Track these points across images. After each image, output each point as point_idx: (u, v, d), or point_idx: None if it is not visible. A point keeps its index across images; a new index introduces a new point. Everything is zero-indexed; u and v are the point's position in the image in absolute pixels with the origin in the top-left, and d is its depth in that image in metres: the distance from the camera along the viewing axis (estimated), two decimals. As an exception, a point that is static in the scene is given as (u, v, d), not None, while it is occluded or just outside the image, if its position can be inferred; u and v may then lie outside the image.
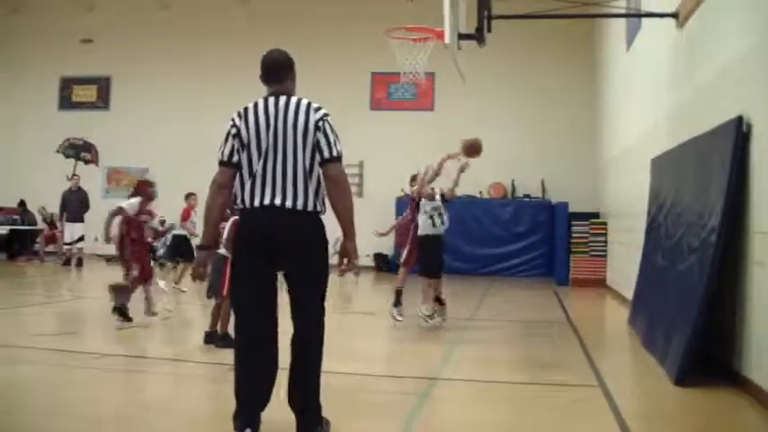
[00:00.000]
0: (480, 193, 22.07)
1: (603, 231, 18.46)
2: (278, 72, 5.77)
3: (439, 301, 11.27)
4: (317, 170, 5.16)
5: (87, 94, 26.05)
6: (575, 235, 19.09)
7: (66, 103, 26.12)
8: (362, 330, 10.32)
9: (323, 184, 5.17)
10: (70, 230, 20.91)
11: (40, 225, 23.56)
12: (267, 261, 5.05)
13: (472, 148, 10.85)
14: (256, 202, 5.07)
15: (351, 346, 9.59)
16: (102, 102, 25.90)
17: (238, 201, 5.20)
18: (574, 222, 19.30)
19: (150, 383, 7.24)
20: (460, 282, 18.06)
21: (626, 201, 15.03)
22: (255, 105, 5.40)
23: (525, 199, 21.81)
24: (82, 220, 21.03)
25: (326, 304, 5.29)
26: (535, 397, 7.07)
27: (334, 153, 5.23)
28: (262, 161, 5.12)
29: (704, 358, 7.40)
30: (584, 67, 21.65)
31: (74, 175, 21.82)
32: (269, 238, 5.02)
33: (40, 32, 25.60)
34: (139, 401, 6.43)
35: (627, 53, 15.39)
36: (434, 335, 10.73)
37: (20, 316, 11.90)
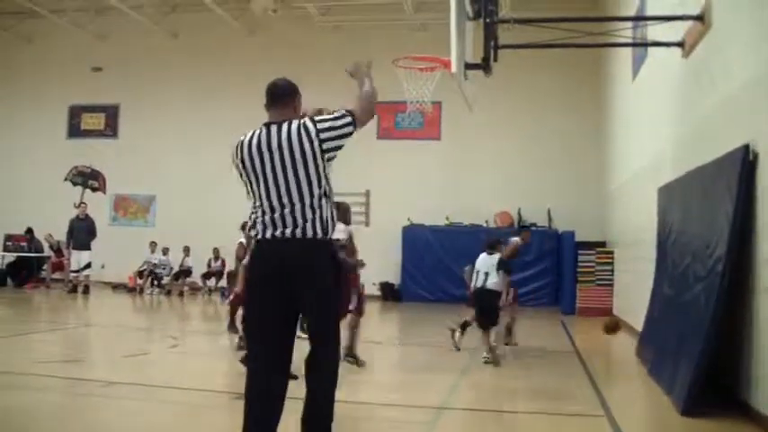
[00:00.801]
0: (486, 222, 22.06)
1: (610, 260, 18.42)
2: (280, 102, 5.67)
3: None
4: (328, 190, 5.30)
5: (95, 122, 26.16)
6: (581, 264, 19.06)
7: (75, 131, 26.23)
8: (369, 359, 10.27)
9: (330, 199, 5.28)
10: (77, 258, 20.87)
11: (47, 252, 23.57)
12: (281, 296, 4.99)
13: (613, 329, 11.17)
14: (267, 235, 5.05)
15: (357, 374, 9.56)
16: (111, 130, 26.00)
17: (252, 233, 5.21)
18: (580, 251, 19.27)
19: (155, 412, 7.22)
20: (468, 310, 17.99)
21: (632, 229, 15.02)
22: (252, 135, 5.37)
23: (531, 228, 21.78)
24: (89, 248, 21.00)
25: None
26: (542, 427, 7.04)
27: (343, 113, 5.57)
28: (263, 189, 5.13)
29: (711, 388, 7.36)
30: (590, 96, 21.70)
31: (81, 202, 21.82)
32: (279, 271, 4.97)
33: (50, 61, 25.76)
34: (145, 430, 6.40)
35: (633, 82, 15.43)
36: (441, 364, 10.69)
37: (25, 342, 11.89)
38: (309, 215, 5.03)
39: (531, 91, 22.25)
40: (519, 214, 21.87)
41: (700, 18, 9.20)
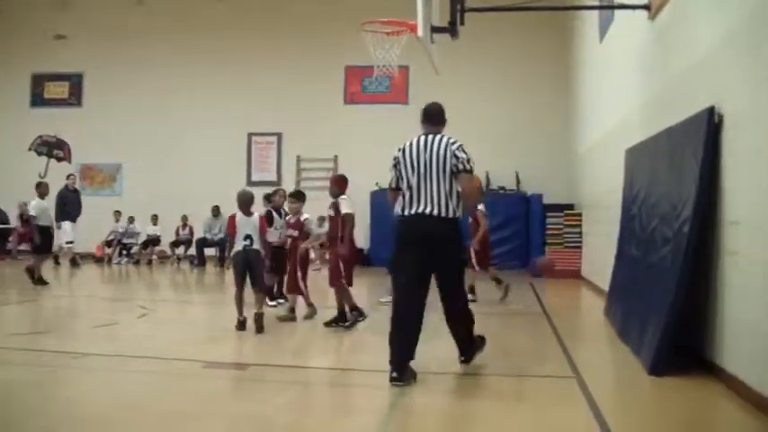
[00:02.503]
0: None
1: (578, 223, 18.54)
2: (436, 120, 7.67)
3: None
4: (455, 187, 7.09)
5: (60, 90, 25.86)
6: (549, 227, 19.18)
7: (39, 100, 25.93)
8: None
9: (456, 192, 7.10)
10: (67, 229, 20.42)
11: (13, 224, 23.34)
12: (419, 255, 6.99)
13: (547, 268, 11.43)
14: (412, 212, 7.10)
15: (329, 339, 9.59)
16: (75, 99, 25.73)
17: (398, 210, 7.24)
18: (548, 214, 19.38)
19: (127, 382, 7.20)
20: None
21: (600, 192, 15.10)
22: (411, 142, 7.44)
23: (500, 191, 21.84)
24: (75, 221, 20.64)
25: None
26: (511, 388, 7.10)
27: (465, 167, 7.13)
28: (415, 181, 7.16)
29: (678, 348, 7.45)
30: (558, 58, 21.73)
31: (70, 175, 21.40)
32: (421, 238, 7.03)
33: (11, 28, 25.40)
34: (119, 401, 6.39)
35: (600, 44, 15.45)
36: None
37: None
38: (444, 200, 7.03)
39: (498, 54, 22.25)
40: (487, 177, 21.90)
41: (665, -20, 9.22)
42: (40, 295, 14.32)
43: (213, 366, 7.75)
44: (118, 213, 22.65)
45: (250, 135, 24.03)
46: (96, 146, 24.78)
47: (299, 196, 11.75)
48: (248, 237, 10.24)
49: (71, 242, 20.50)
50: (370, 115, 23.12)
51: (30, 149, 25.11)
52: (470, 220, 13.21)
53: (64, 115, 25.37)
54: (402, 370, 6.82)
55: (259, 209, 11.10)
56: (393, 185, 7.42)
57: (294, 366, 7.82)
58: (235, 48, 23.82)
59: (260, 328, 9.87)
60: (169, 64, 24.33)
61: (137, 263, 22.26)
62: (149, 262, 22.11)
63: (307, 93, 23.38)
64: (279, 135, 23.91)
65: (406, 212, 7.12)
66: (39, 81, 25.95)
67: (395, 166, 7.42)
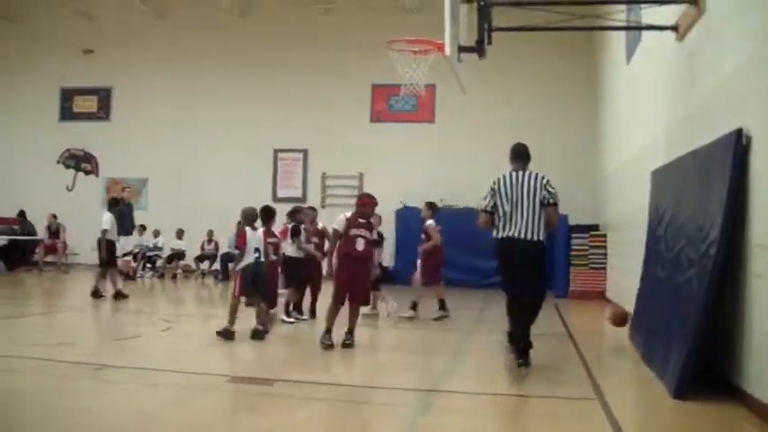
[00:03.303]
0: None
1: (603, 244, 18.44)
2: (524, 158, 9.13)
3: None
4: (543, 214, 8.60)
5: (88, 104, 26.07)
6: (574, 247, 19.07)
7: (67, 113, 26.15)
8: (362, 341, 10.28)
9: (544, 219, 8.62)
10: (124, 244, 20.12)
11: (41, 235, 23.51)
12: (514, 267, 8.67)
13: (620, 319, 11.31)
14: (506, 234, 8.61)
15: (351, 356, 9.57)
16: (103, 112, 25.92)
17: (495, 233, 8.76)
18: (573, 235, 19.26)
19: (148, 395, 7.20)
20: (461, 293, 18.03)
21: (626, 213, 15.01)
22: (505, 176, 8.89)
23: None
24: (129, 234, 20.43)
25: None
26: (534, 410, 7.05)
27: (553, 201, 8.69)
28: (509, 208, 8.64)
29: (703, 372, 7.37)
30: (584, 79, 21.68)
31: (125, 188, 21.19)
32: (513, 256, 8.61)
33: (41, 43, 25.66)
34: (138, 412, 6.40)
35: (627, 66, 15.40)
36: (434, 347, 10.70)
37: (17, 326, 11.87)
38: (533, 225, 8.57)
39: (524, 73, 22.23)
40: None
41: (693, 2, 9.18)
42: (63, 307, 14.39)
43: (237, 381, 7.74)
44: (143, 227, 22.76)
45: (276, 151, 24.10)
46: (123, 159, 24.97)
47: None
48: (257, 250, 10.69)
49: (126, 255, 20.37)
50: (396, 133, 23.13)
51: (58, 162, 25.37)
52: (422, 234, 13.66)
53: (92, 129, 25.60)
54: (521, 341, 8.62)
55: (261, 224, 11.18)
56: (488, 209, 8.86)
57: (319, 383, 7.79)
58: (262, 64, 23.93)
59: (259, 336, 10.38)
60: (197, 79, 24.47)
61: (161, 277, 22.32)
62: (174, 276, 22.16)
63: (333, 110, 23.44)
64: (305, 152, 23.96)
65: (501, 234, 8.69)
66: (68, 95, 26.20)
67: (492, 195, 8.86)
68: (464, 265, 20.64)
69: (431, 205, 14.14)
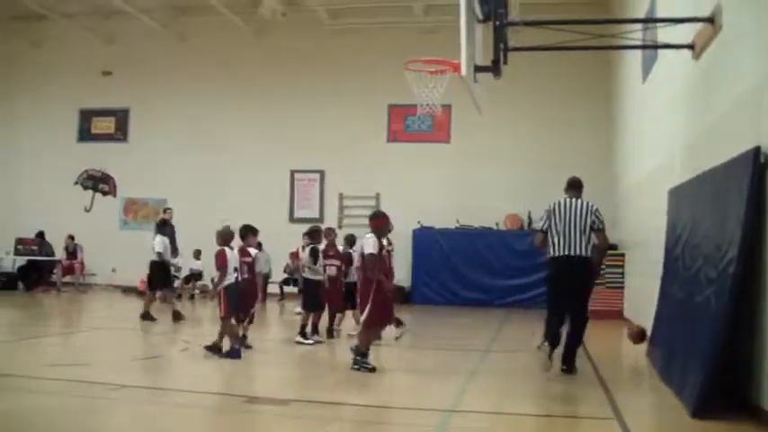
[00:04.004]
0: (497, 224, 22.07)
1: (621, 263, 18.36)
2: (577, 188, 10.13)
3: None
4: (591, 237, 9.66)
5: (106, 126, 26.22)
6: (591, 266, 18.97)
7: (86, 134, 26.30)
8: (379, 361, 10.27)
9: (592, 241, 9.66)
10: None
11: (59, 256, 23.63)
12: (564, 282, 9.64)
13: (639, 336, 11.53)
14: (560, 253, 9.61)
15: (367, 376, 9.56)
16: (121, 133, 26.05)
17: (550, 251, 9.75)
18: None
19: (166, 415, 7.22)
20: (477, 313, 18.00)
21: (643, 232, 14.97)
22: (560, 201, 9.91)
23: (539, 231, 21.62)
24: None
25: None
26: (552, 430, 7.02)
27: (601, 226, 9.77)
28: (563, 229, 9.65)
29: (722, 390, 7.33)
30: (600, 97, 21.66)
31: (167, 209, 20.69)
32: (567, 272, 9.61)
33: (60, 65, 25.85)
34: (148, 428, 6.40)
35: (643, 84, 15.40)
36: (451, 366, 10.67)
37: (36, 345, 11.93)
38: (583, 246, 9.59)
39: (540, 93, 22.22)
40: (529, 217, 21.82)
41: (710, 20, 9.18)
42: (82, 327, 14.44)
43: (255, 402, 7.74)
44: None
45: (293, 172, 24.16)
46: (141, 180, 25.08)
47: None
48: (236, 269, 10.90)
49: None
50: (412, 153, 23.14)
51: (76, 183, 25.52)
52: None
53: (110, 150, 25.74)
54: (554, 341, 9.68)
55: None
56: (543, 229, 9.88)
57: (335, 403, 7.79)
58: (278, 85, 24.02)
59: (215, 351, 10.62)
60: (213, 100, 24.57)
61: (179, 297, 22.34)
62: (191, 296, 22.20)
63: (350, 130, 23.48)
64: (321, 172, 24.01)
65: (555, 254, 9.67)
66: (86, 116, 26.35)
67: (547, 217, 9.85)
68: (481, 285, 20.63)
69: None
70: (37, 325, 15.41)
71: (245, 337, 11.44)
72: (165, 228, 16.42)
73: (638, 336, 11.58)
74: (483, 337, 14.22)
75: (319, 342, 12.42)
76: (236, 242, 11.39)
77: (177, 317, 15.25)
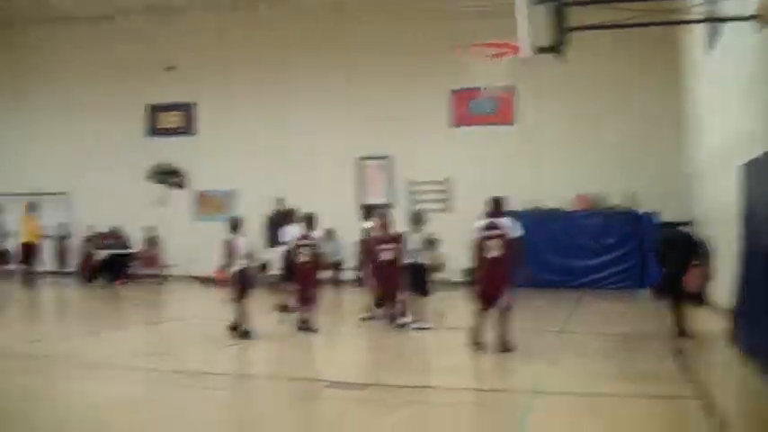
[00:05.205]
0: (566, 205, 21.89)
1: (694, 240, 18.05)
2: None
3: None
4: None
5: (173, 120, 26.60)
6: (668, 245, 18.71)
7: (153, 129, 26.73)
8: (458, 346, 10.32)
9: None
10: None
11: (136, 249, 24.15)
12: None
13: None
14: None
15: (449, 361, 9.63)
16: (188, 127, 26.40)
17: None
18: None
19: (249, 402, 7.37)
20: (550, 294, 17.93)
21: (718, 207, 14.74)
22: None
23: (611, 210, 21.46)
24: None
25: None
26: (632, 409, 7.03)
27: None
28: None
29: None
30: (667, 72, 21.28)
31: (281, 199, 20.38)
32: None
33: (126, 61, 26.25)
34: (237, 419, 6.55)
35: (710, 57, 15.16)
36: (527, 348, 10.66)
37: (122, 336, 12.24)
38: None
39: (603, 71, 21.92)
40: (600, 196, 21.61)
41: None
42: (165, 317, 14.74)
43: (335, 386, 7.84)
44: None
45: (360, 159, 24.25)
46: (210, 173, 25.40)
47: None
48: (247, 256, 11.74)
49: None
50: (476, 137, 22.99)
51: (147, 178, 25.95)
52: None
53: (178, 144, 26.10)
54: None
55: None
56: None
57: (412, 386, 7.86)
58: (344, 72, 24.09)
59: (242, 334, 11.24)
60: (278, 90, 24.71)
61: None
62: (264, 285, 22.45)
63: (414, 115, 23.46)
64: (388, 158, 24.05)
65: None
66: (153, 111, 26.78)
67: None
68: (554, 266, 20.50)
69: None
70: (119, 317, 15.80)
71: (305, 320, 11.73)
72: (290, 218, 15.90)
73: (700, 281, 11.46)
74: (556, 318, 14.20)
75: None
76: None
77: (283, 309, 14.83)
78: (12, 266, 23.91)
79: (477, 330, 10.23)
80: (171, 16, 25.13)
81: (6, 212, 23.78)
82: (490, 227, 10.53)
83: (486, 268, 10.37)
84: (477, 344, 10.14)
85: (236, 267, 11.42)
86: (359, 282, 20.01)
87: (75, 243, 24.37)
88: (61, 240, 24.18)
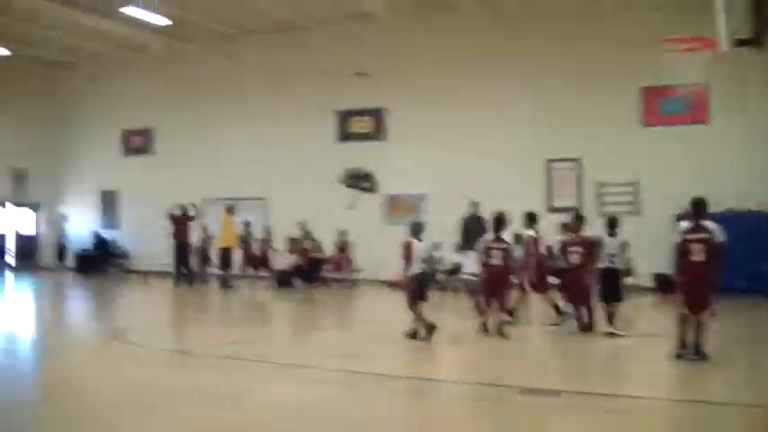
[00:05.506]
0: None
1: None
2: None
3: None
4: None
5: (363, 125, 27.12)
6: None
7: (344, 135, 27.36)
8: (652, 353, 10.07)
9: None
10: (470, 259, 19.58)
11: (328, 253, 24.78)
12: None
13: None
14: None
15: (643, 368, 9.43)
16: (378, 132, 26.84)
17: None
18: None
19: (438, 405, 7.42)
20: (738, 300, 17.09)
21: None
22: None
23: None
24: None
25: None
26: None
27: None
28: None
29: None
30: None
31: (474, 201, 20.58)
32: None
33: (315, 68, 26.99)
34: (431, 424, 6.58)
35: None
36: (718, 355, 10.26)
37: (317, 338, 12.60)
38: None
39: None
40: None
41: None
42: (355, 320, 15.06)
43: (528, 393, 7.77)
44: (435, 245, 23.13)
45: (548, 161, 23.98)
46: (400, 177, 25.75)
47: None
48: (424, 260, 11.84)
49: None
50: (668, 136, 22.22)
51: (338, 182, 26.59)
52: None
53: (368, 149, 26.62)
54: None
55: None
56: None
57: (607, 394, 7.71)
58: (529, 73, 23.91)
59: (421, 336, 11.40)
60: (464, 92, 24.77)
61: (442, 290, 22.78)
62: (455, 289, 22.51)
63: (603, 116, 22.95)
64: (577, 161, 23.66)
65: None
66: (343, 117, 27.42)
67: None
68: (744, 270, 19.51)
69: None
70: (313, 319, 16.27)
71: (501, 323, 11.78)
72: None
73: None
74: (752, 325, 13.60)
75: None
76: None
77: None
78: (212, 270, 25.12)
79: (682, 337, 9.91)
80: (360, 22, 25.63)
81: (207, 217, 24.99)
82: (695, 229, 10.14)
83: (690, 273, 10.02)
84: (683, 348, 9.82)
85: (412, 271, 11.54)
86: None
87: (271, 248, 25.17)
88: (260, 245, 25.02)
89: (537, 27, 23.82)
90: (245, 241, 24.73)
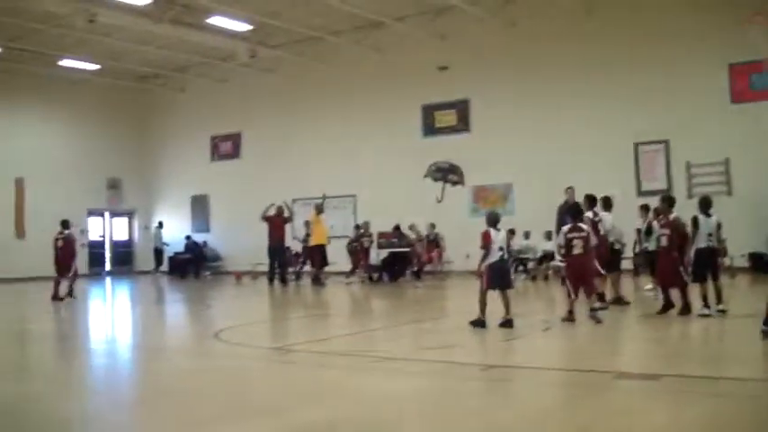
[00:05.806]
0: None
1: None
2: None
3: None
4: None
5: (448, 118, 27.24)
6: None
7: (429, 129, 27.51)
8: (748, 334, 9.94)
9: None
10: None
11: (418, 246, 24.96)
12: None
13: None
14: None
15: (743, 350, 9.35)
16: (463, 124, 26.92)
17: None
18: None
19: (535, 394, 7.46)
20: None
21: None
22: None
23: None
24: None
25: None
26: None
27: None
28: None
29: None
30: None
31: (569, 187, 20.07)
32: None
33: (400, 64, 27.26)
34: (531, 412, 6.63)
35: None
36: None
37: (408, 331, 12.74)
38: None
39: None
40: None
41: None
42: (448, 312, 15.19)
43: (625, 377, 7.76)
44: (511, 232, 23.19)
45: (636, 144, 23.71)
46: (486, 168, 25.78)
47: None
48: (501, 248, 11.68)
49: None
50: (761, 113, 21.70)
51: (425, 176, 26.77)
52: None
53: (453, 141, 26.74)
54: None
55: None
56: None
57: (709, 377, 7.66)
58: (611, 58, 23.63)
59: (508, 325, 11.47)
60: (547, 79, 24.67)
61: (533, 279, 22.83)
62: (546, 277, 22.53)
63: (689, 95, 22.56)
64: (666, 142, 23.33)
65: None
66: (428, 111, 27.58)
67: None
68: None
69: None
70: (407, 312, 16.42)
71: (594, 310, 11.75)
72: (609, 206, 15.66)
73: None
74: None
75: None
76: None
77: (619, 301, 14.42)
78: (302, 267, 25.59)
79: None
80: (440, 17, 25.70)
81: (300, 217, 25.41)
82: None
83: None
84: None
85: (490, 261, 11.63)
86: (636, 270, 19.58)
87: (363, 244, 25.45)
88: (352, 241, 25.28)
89: (622, 14, 23.55)
90: (337, 238, 24.95)
